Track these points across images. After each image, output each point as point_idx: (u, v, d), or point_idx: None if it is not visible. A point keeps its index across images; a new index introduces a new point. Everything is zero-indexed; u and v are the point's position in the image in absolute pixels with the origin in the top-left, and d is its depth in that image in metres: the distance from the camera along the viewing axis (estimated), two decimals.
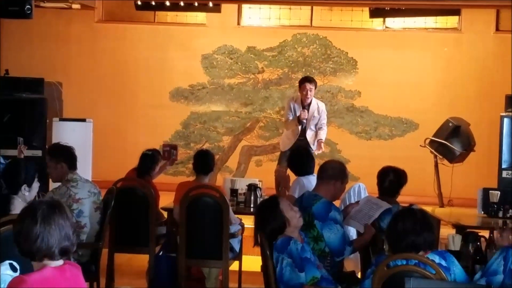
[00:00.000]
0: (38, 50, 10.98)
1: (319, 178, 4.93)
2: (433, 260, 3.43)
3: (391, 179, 5.13)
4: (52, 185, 8.41)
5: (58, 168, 5.10)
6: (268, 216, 4.09)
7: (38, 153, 8.73)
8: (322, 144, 8.00)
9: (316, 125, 8.04)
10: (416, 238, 3.48)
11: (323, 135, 8.06)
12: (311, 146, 7.99)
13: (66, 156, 5.13)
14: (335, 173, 4.85)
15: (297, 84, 10.56)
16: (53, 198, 4.94)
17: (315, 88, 7.99)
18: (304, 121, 7.89)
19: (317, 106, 8.05)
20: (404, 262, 3.41)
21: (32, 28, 10.62)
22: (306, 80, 8.00)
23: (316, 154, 7.81)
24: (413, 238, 3.48)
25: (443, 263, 3.47)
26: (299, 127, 7.94)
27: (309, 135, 8.02)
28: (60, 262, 2.75)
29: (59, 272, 2.72)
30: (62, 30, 11.09)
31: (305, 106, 7.92)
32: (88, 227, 5.10)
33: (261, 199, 6.47)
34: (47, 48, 11.01)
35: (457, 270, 3.51)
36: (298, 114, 7.89)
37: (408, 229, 3.50)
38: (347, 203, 5.87)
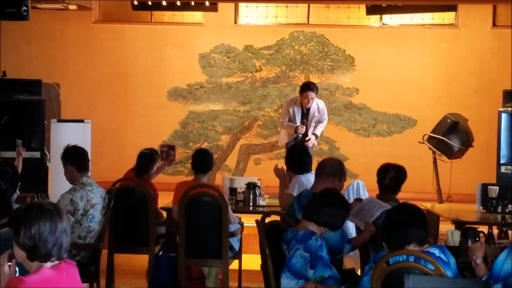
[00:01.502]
0: (35, 52, 10.97)
1: (317, 176, 4.93)
2: (433, 253, 3.46)
3: (391, 176, 5.13)
4: (52, 186, 8.46)
5: (68, 171, 5.18)
6: (337, 208, 4.13)
7: (37, 154, 8.74)
8: (313, 139, 7.98)
9: (317, 121, 8.07)
10: (407, 230, 3.53)
11: (319, 129, 8.09)
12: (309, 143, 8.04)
13: (72, 158, 5.20)
14: (333, 170, 4.85)
15: (295, 82, 10.68)
16: (73, 199, 5.02)
17: (316, 94, 8.01)
18: (300, 135, 7.92)
19: (317, 106, 8.08)
20: (405, 258, 3.43)
21: (29, 30, 10.61)
22: (308, 88, 7.96)
23: (310, 146, 7.84)
24: (404, 230, 3.53)
25: (443, 256, 3.50)
26: (299, 120, 7.97)
27: (311, 132, 8.05)
28: (56, 261, 2.75)
29: (56, 272, 2.71)
30: (59, 31, 11.08)
31: (305, 109, 7.97)
32: (95, 231, 5.12)
33: (260, 197, 6.48)
34: (44, 49, 11.00)
35: (453, 265, 3.55)
36: (297, 118, 7.94)
37: (400, 221, 3.57)
38: None
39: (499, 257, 3.46)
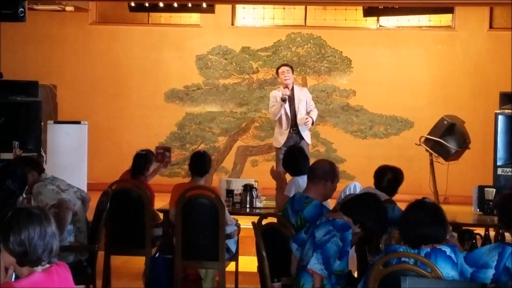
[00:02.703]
0: (32, 53, 10.96)
1: (309, 179, 4.87)
2: (444, 251, 3.48)
3: (389, 178, 5.13)
4: None
5: (31, 175, 5.19)
6: (382, 217, 4.14)
7: (33, 156, 8.71)
8: (310, 121, 7.99)
9: (306, 110, 8.08)
10: (426, 230, 3.53)
11: (313, 115, 8.11)
12: (304, 138, 8.02)
13: (34, 164, 5.32)
14: (324, 173, 4.78)
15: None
16: (58, 191, 5.09)
17: (292, 72, 8.13)
18: (286, 96, 7.92)
19: (300, 89, 8.18)
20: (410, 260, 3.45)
21: (25, 31, 10.60)
22: (282, 64, 8.33)
23: (309, 125, 7.89)
24: (423, 230, 3.53)
25: (453, 256, 3.51)
26: (287, 110, 7.95)
27: (300, 124, 8.03)
28: (46, 265, 2.74)
29: (47, 275, 2.70)
30: (55, 33, 11.07)
31: (289, 97, 8.02)
32: (80, 215, 5.19)
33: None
34: (41, 50, 10.99)
35: (460, 266, 3.58)
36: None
37: (419, 220, 3.55)
38: None
39: (485, 247, 3.55)
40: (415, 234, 3.53)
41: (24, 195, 5.08)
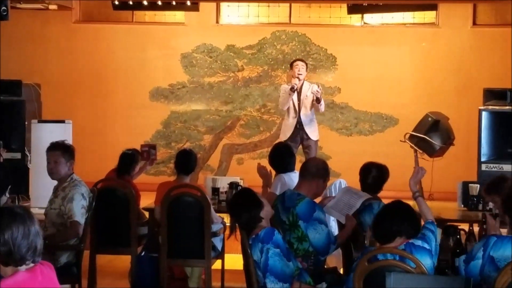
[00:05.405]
0: (15, 52, 10.87)
1: (301, 176, 4.91)
2: (418, 244, 3.55)
3: (374, 175, 5.15)
4: (33, 187, 8.39)
5: (67, 166, 5.10)
6: (245, 204, 4.10)
7: (17, 155, 8.69)
8: (319, 92, 7.95)
9: (311, 105, 8.04)
10: (397, 225, 3.62)
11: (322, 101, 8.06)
12: (309, 134, 8.01)
13: (72, 153, 5.16)
14: (318, 171, 4.83)
15: (277, 82, 10.71)
16: (84, 212, 4.99)
17: (306, 68, 8.17)
18: (295, 85, 7.94)
19: (309, 87, 8.13)
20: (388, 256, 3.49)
21: (8, 30, 10.48)
22: (297, 59, 8.37)
23: (318, 91, 7.90)
24: (394, 224, 3.61)
25: (426, 245, 3.60)
26: (295, 103, 7.97)
27: (305, 119, 7.99)
28: (31, 264, 2.73)
29: (31, 274, 2.70)
30: (39, 31, 11.01)
31: (297, 88, 8.00)
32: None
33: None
34: (25, 49, 10.92)
35: (434, 248, 3.70)
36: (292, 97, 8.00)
37: (390, 217, 3.65)
38: None
39: (478, 244, 3.63)
40: (387, 229, 3.61)
41: (7, 195, 5.04)
